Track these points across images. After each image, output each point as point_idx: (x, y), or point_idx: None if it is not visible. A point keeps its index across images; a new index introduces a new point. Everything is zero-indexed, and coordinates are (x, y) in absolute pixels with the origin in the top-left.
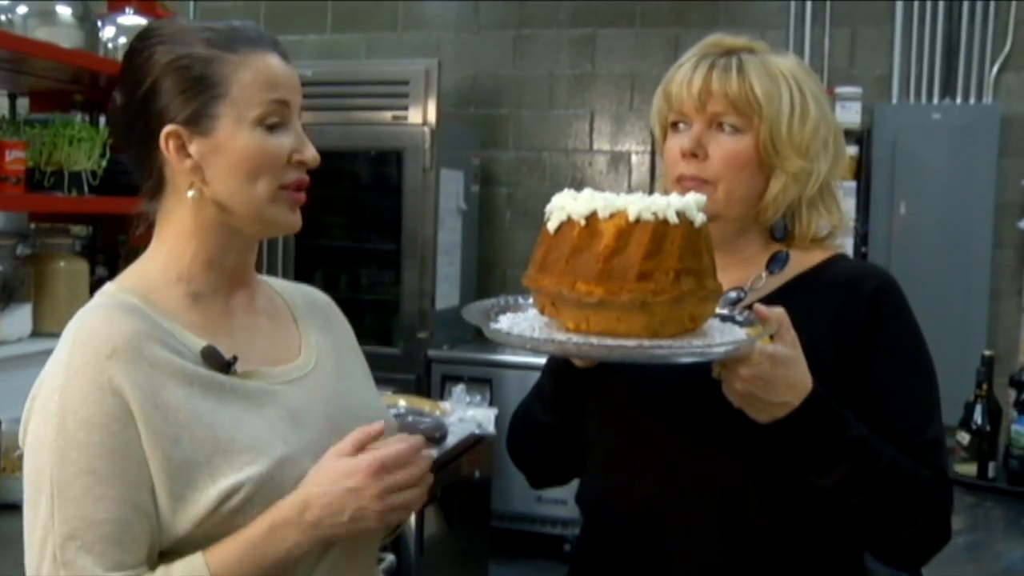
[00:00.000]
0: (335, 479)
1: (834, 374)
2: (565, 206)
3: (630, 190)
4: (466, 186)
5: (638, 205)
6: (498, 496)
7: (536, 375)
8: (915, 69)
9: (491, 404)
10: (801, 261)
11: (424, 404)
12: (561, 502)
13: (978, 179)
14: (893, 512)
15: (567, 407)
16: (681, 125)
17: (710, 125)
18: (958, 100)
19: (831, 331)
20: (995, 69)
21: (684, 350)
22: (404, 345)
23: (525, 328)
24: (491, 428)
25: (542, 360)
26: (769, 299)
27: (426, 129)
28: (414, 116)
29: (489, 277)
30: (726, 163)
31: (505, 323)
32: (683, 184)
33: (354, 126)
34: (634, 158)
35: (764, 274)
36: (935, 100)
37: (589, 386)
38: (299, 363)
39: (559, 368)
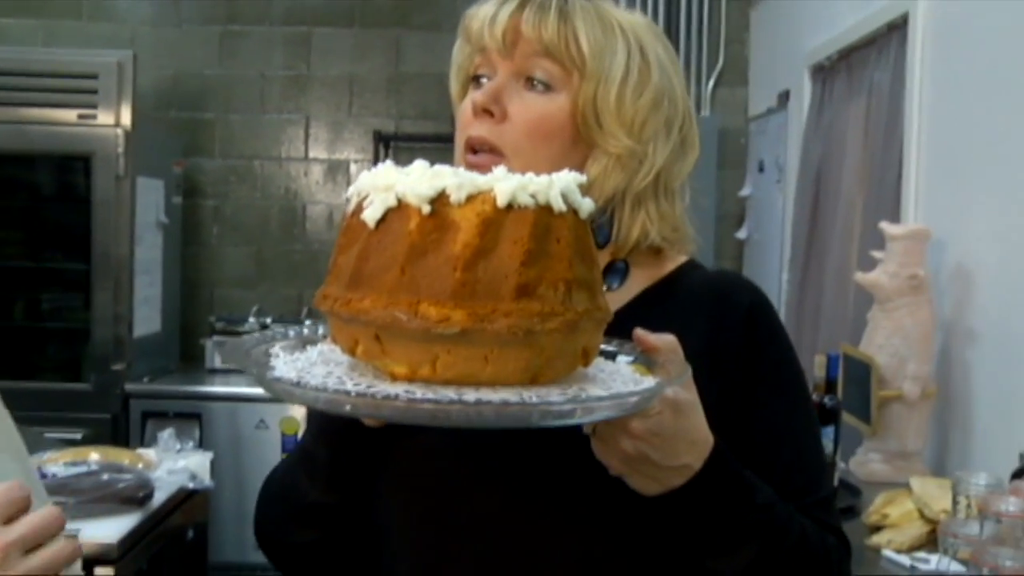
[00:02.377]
0: None
1: (714, 415)
2: (393, 184)
3: (348, 203)
4: (167, 197)
5: (509, 184)
6: (209, 547)
7: (256, 408)
8: None
9: (201, 444)
10: (643, 272)
11: (123, 456)
12: None
13: (699, 190)
14: None
15: (350, 480)
16: (484, 79)
17: (517, 78)
18: None
19: (705, 360)
20: (711, 84)
21: (594, 404)
22: (96, 379)
23: (326, 378)
24: (207, 479)
25: (262, 390)
26: (618, 322)
27: (119, 131)
28: (104, 117)
29: (195, 298)
30: (528, 128)
31: (286, 369)
32: (469, 159)
33: (31, 125)
34: (353, 167)
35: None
36: None
37: (382, 449)
38: None
39: (336, 428)
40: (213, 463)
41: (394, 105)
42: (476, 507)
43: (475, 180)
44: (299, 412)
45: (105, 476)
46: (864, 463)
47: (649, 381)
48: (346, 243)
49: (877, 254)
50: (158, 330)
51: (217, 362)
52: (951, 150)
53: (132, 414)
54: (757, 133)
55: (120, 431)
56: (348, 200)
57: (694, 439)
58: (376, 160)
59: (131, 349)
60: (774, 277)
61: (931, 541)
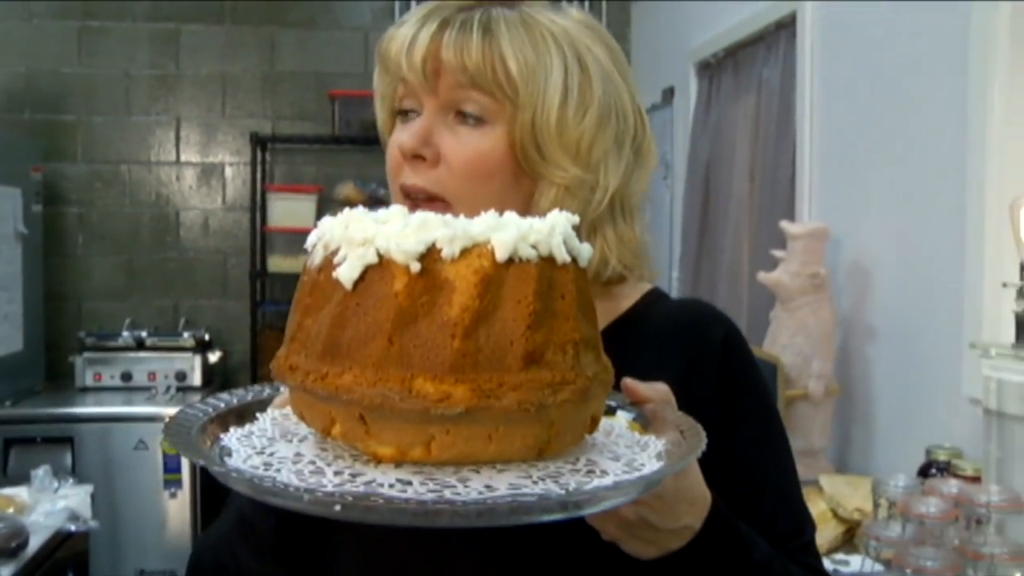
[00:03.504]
0: None
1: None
2: (371, 237)
3: (225, 208)
4: (25, 206)
5: (508, 234)
6: None
7: (132, 428)
8: None
9: (74, 470)
10: (604, 305)
11: None
12: (168, 573)
13: None
14: None
15: (298, 551)
16: (412, 112)
17: (445, 112)
18: None
19: (680, 399)
20: None
21: (613, 486)
22: None
23: (296, 461)
24: (90, 518)
25: (139, 408)
26: None
27: None
28: None
29: (60, 313)
30: (465, 169)
31: (242, 450)
32: (409, 202)
33: None
34: (228, 171)
35: None
36: None
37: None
38: None
39: None
40: (94, 497)
41: (270, 106)
42: (443, 573)
43: (468, 230)
44: None
45: None
46: None
47: (655, 443)
48: (313, 304)
49: (779, 253)
50: (20, 349)
51: (89, 380)
52: (844, 148)
53: None
54: None
55: None
56: (309, 251)
57: (693, 498)
58: (253, 163)
59: None
60: (664, 274)
61: (847, 541)
